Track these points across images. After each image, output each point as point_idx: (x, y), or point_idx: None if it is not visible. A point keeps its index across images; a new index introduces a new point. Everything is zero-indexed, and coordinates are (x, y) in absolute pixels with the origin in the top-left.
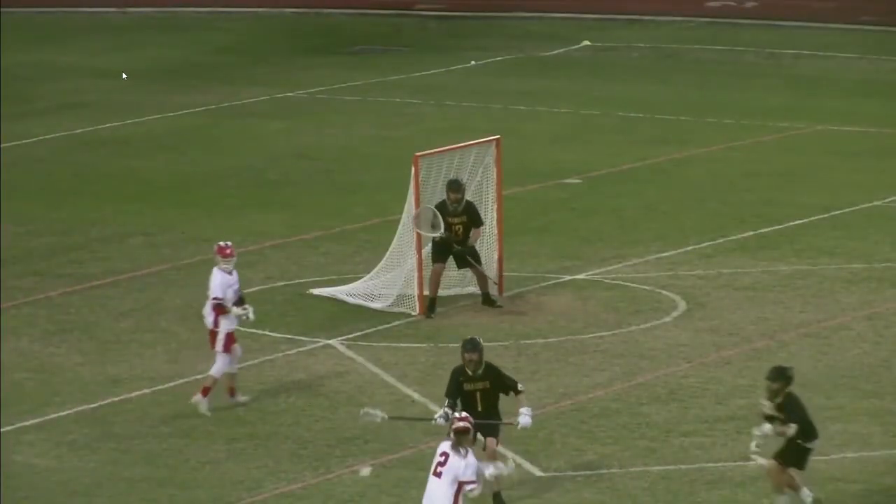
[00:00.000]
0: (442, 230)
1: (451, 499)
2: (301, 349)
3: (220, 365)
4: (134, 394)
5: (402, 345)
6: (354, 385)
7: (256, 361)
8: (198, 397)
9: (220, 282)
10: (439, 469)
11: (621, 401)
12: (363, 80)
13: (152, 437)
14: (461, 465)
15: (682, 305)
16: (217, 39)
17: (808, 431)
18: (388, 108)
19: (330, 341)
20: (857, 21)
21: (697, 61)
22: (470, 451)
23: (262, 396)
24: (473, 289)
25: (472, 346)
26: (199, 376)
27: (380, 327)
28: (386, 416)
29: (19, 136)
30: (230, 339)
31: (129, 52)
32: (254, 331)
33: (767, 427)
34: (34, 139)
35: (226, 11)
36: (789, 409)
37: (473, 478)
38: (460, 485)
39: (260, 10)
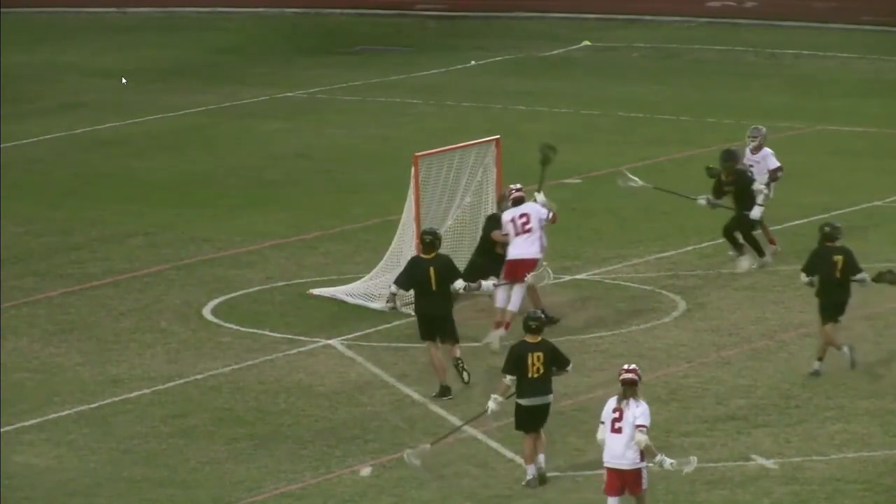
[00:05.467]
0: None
1: (637, 449)
2: (301, 349)
3: (515, 299)
4: (134, 394)
5: (402, 345)
6: (354, 385)
7: (256, 361)
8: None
9: (504, 217)
10: (617, 425)
11: None
12: (363, 80)
13: (152, 437)
14: (636, 412)
15: (682, 305)
16: (217, 39)
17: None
18: (388, 108)
19: (330, 341)
20: (857, 21)
21: (697, 61)
22: (641, 399)
23: (262, 396)
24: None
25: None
26: (199, 376)
27: (380, 327)
28: None
29: (19, 136)
30: (510, 266)
31: (129, 52)
32: (254, 331)
33: None
34: (34, 139)
35: (226, 11)
36: None
37: (647, 422)
38: (637, 430)
39: (260, 10)
